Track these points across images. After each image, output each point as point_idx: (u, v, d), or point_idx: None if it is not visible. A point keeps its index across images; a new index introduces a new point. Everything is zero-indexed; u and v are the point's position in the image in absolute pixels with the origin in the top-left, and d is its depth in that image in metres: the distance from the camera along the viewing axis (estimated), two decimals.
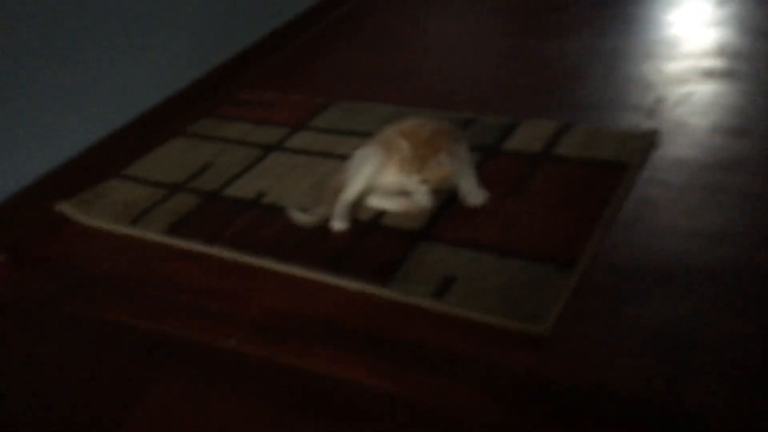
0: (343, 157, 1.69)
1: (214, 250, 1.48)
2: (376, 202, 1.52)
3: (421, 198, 1.44)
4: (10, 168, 1.61)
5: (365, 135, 1.76)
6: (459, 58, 2.17)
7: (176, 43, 1.99)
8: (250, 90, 2.13)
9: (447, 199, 1.49)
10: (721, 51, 1.94)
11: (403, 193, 1.48)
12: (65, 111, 1.71)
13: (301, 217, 1.50)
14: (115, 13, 1.80)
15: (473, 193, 1.47)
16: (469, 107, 1.83)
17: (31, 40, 1.61)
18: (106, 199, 1.69)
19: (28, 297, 1.47)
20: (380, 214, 1.49)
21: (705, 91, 1.76)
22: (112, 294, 1.44)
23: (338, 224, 1.47)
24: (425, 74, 2.10)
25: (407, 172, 1.43)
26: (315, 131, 1.85)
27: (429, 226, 1.43)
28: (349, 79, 2.15)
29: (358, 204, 1.51)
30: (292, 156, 1.76)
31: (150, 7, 1.89)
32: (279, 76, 2.20)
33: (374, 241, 1.43)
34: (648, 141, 1.57)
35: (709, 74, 1.83)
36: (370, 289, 1.31)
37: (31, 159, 1.65)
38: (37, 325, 1.40)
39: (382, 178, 1.49)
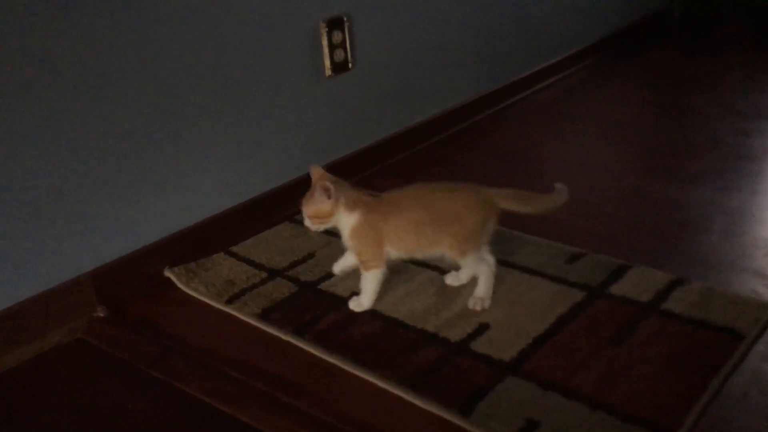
0: (440, 270, 1.68)
1: (301, 343, 1.49)
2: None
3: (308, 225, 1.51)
4: (130, 229, 1.69)
5: None
6: (576, 189, 2.13)
7: (298, 136, 2.07)
8: (364, 188, 2.17)
9: (549, 332, 1.44)
10: None
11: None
12: (186, 186, 1.80)
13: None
14: (244, 100, 1.91)
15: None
16: (579, 241, 1.79)
17: (162, 118, 1.73)
18: (209, 272, 1.74)
19: (119, 354, 1.51)
20: (472, 336, 1.46)
21: None
22: (195, 368, 1.45)
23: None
24: None
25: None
26: None
27: (521, 359, 1.38)
28: None
29: (451, 322, 1.49)
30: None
31: (278, 99, 1.99)
32: (397, 177, 2.24)
33: (463, 363, 1.39)
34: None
35: None
36: (450, 416, 1.26)
37: (150, 224, 1.73)
38: (125, 382, 1.44)
39: None
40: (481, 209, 1.50)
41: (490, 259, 1.56)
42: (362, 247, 1.50)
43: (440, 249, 1.51)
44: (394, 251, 1.51)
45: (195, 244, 1.82)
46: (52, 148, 1.52)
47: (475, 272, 1.57)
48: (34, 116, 1.47)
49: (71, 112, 1.53)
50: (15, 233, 1.49)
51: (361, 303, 1.57)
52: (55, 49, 1.48)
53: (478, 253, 1.52)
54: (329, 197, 1.47)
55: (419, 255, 1.55)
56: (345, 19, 2.08)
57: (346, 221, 1.50)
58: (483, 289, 1.55)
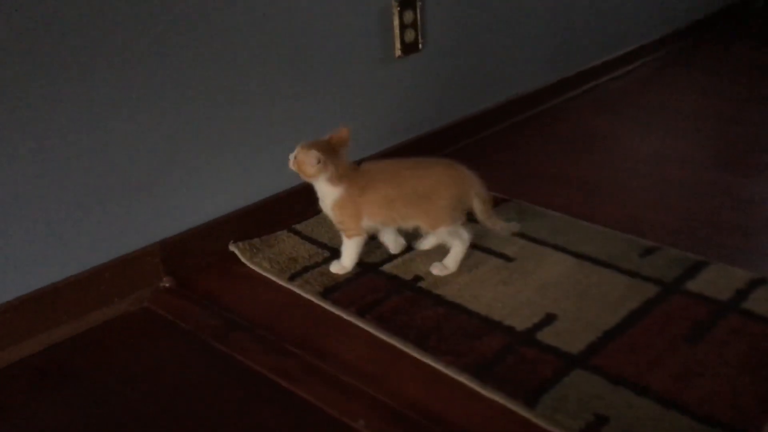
0: (508, 258, 1.65)
1: (362, 324, 1.47)
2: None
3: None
4: (198, 203, 1.70)
5: (533, 240, 1.71)
6: (648, 181, 2.07)
7: (366, 116, 2.05)
8: None
9: (619, 326, 1.39)
10: None
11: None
12: (252, 163, 1.80)
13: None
14: (313, 79, 1.90)
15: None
16: (653, 235, 1.72)
17: (232, 99, 1.73)
18: (273, 249, 1.74)
19: (183, 324, 1.53)
20: (538, 326, 1.42)
21: None
22: (257, 342, 1.45)
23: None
24: (609, 190, 2.01)
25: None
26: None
27: (590, 353, 1.33)
28: (530, 179, 2.12)
29: (516, 311, 1.45)
30: None
31: (347, 79, 1.97)
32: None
33: (528, 354, 1.35)
34: None
35: None
36: (514, 406, 1.23)
37: (216, 199, 1.74)
38: (187, 353, 1.45)
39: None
40: (453, 186, 1.57)
41: (465, 234, 1.60)
42: (343, 218, 1.59)
43: (413, 222, 1.59)
44: (371, 222, 1.59)
45: (259, 220, 1.82)
46: (126, 123, 1.53)
47: (447, 245, 1.61)
48: (108, 92, 1.49)
49: (148, 90, 1.54)
50: (87, 203, 1.51)
51: (343, 266, 1.64)
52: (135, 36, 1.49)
53: (450, 227, 1.58)
54: (318, 162, 1.52)
55: (395, 226, 1.63)
56: None
57: (330, 192, 1.58)
58: (450, 260, 1.61)
